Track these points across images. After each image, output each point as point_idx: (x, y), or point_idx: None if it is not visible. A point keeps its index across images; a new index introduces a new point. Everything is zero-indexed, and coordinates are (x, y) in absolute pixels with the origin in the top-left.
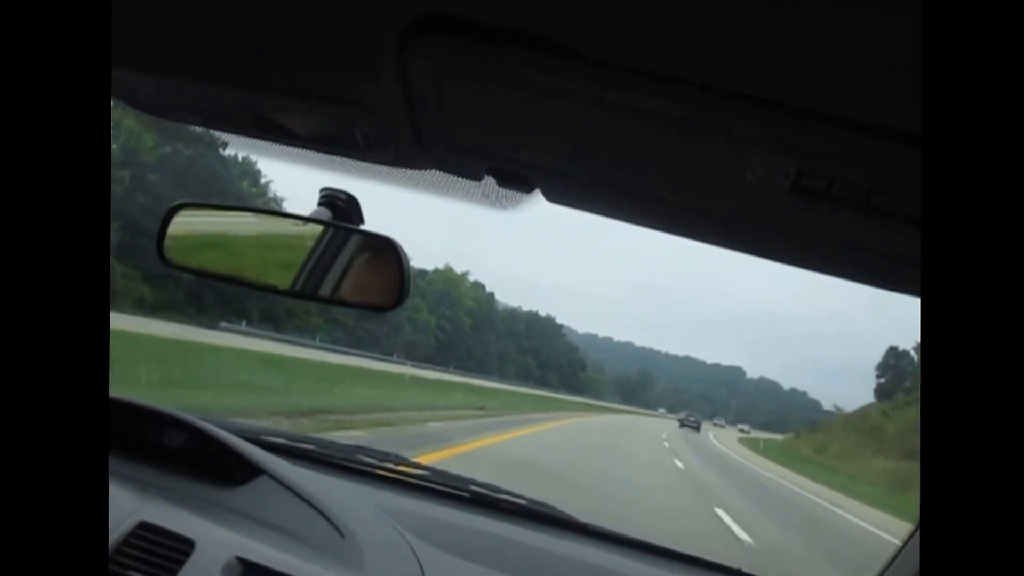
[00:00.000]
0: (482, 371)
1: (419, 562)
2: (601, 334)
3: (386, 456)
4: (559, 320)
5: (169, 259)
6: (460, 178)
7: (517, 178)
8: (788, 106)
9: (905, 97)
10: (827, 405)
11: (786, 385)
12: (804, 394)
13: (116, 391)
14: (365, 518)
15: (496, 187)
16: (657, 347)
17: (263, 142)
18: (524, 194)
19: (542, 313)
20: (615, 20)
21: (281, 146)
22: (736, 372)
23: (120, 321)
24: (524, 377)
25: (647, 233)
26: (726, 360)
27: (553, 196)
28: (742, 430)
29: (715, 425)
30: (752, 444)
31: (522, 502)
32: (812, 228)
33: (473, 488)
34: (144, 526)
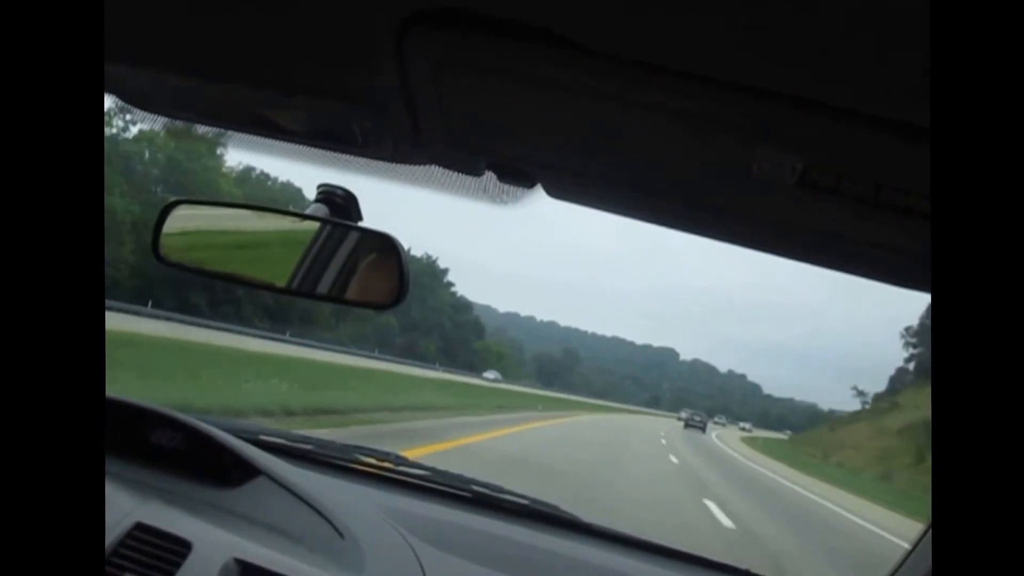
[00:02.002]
0: (280, 325)
1: (420, 563)
2: (524, 313)
3: (386, 456)
4: (442, 264)
5: (165, 257)
6: (460, 174)
7: (518, 173)
8: (795, 99)
9: (914, 90)
10: (767, 389)
11: (722, 367)
12: (743, 377)
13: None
14: (365, 519)
15: (497, 182)
16: (583, 327)
17: (259, 138)
18: (525, 189)
19: (417, 253)
20: (617, 11)
21: (277, 142)
22: (668, 354)
23: None
24: (379, 343)
25: (572, 210)
26: (658, 341)
27: (555, 191)
28: (743, 428)
29: (716, 423)
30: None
31: (524, 502)
32: (819, 223)
33: (475, 488)
34: (141, 527)
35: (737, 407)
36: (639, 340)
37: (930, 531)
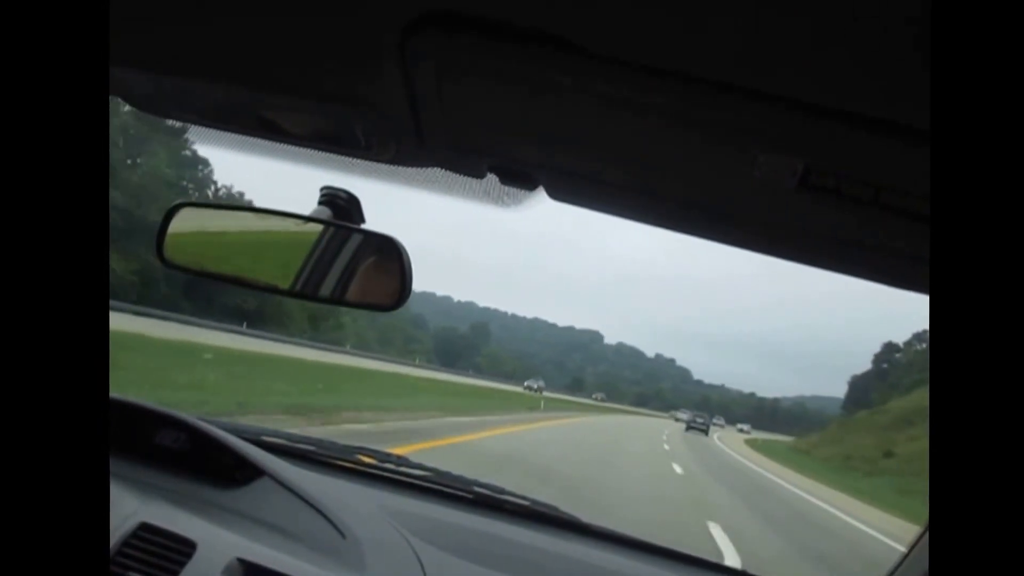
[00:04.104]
0: None
1: (421, 563)
2: (440, 293)
3: (387, 457)
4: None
5: (169, 259)
6: (462, 176)
7: (520, 175)
8: (796, 102)
9: (914, 93)
10: (698, 374)
11: (649, 352)
12: (672, 361)
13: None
14: (366, 519)
15: (499, 185)
16: (503, 308)
17: (263, 140)
18: (527, 191)
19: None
20: (620, 15)
21: (281, 144)
22: (592, 336)
23: None
24: None
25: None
26: (581, 323)
27: (557, 194)
28: (742, 430)
29: (715, 424)
30: None
31: (525, 503)
32: (820, 225)
33: (475, 489)
34: (145, 527)
35: (669, 393)
36: (562, 322)
37: (927, 533)
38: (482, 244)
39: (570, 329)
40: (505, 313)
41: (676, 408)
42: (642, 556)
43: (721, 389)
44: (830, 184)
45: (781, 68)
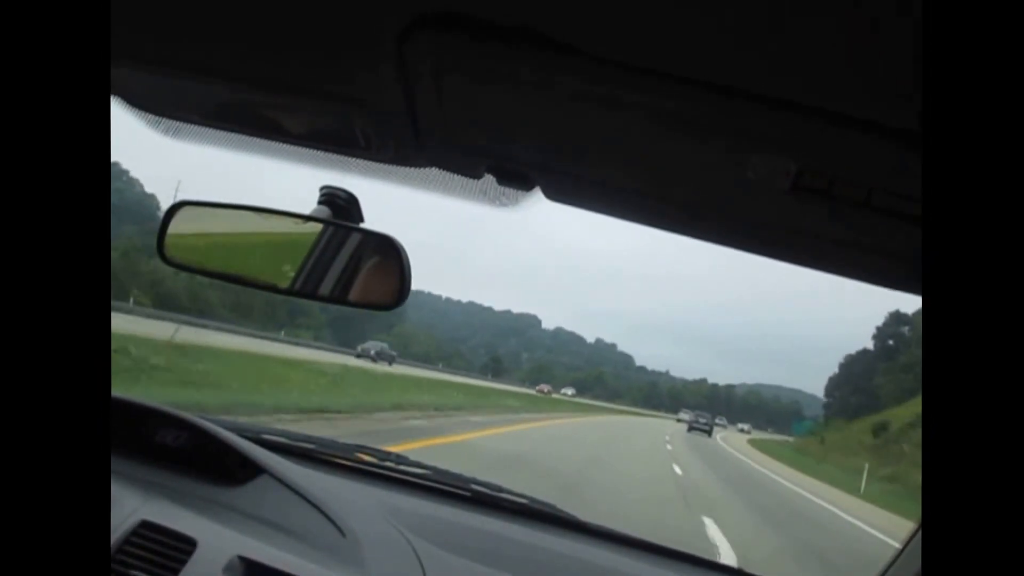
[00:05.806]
0: None
1: (420, 561)
2: None
3: (386, 455)
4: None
5: (170, 257)
6: (460, 176)
7: (517, 176)
8: (789, 104)
9: (906, 95)
10: (640, 360)
11: (589, 337)
12: (613, 347)
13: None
14: (366, 517)
15: (496, 185)
16: (436, 291)
17: (261, 140)
18: (524, 192)
19: None
20: (616, 17)
21: (280, 144)
22: (530, 320)
23: None
24: None
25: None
26: (518, 308)
27: (553, 194)
28: (742, 430)
29: (717, 425)
30: None
31: (523, 501)
32: (813, 226)
33: (474, 487)
34: (146, 525)
35: (611, 379)
36: (498, 306)
37: (920, 531)
38: (415, 224)
39: (507, 313)
40: (439, 296)
41: (620, 397)
42: (640, 554)
43: (667, 376)
44: (823, 185)
45: (775, 70)
